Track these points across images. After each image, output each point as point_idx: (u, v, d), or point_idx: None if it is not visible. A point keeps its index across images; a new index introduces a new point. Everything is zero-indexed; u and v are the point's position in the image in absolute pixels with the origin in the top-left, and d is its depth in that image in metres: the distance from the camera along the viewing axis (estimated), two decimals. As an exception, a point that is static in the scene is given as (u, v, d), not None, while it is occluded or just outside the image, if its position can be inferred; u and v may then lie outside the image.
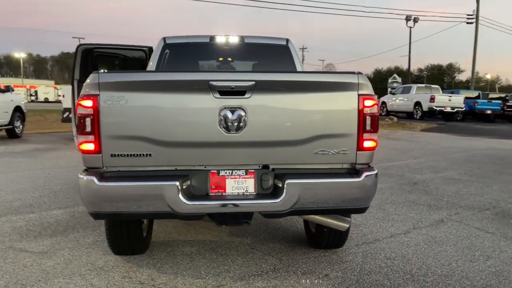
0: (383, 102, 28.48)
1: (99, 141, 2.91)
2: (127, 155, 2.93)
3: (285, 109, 3.00)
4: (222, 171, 3.07)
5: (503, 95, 31.43)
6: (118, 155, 2.93)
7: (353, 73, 3.05)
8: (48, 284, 3.40)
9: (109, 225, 3.60)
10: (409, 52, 40.10)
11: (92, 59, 6.15)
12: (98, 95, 2.87)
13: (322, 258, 3.95)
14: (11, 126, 13.77)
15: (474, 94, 29.72)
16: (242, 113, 2.94)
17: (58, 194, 6.46)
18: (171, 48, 5.02)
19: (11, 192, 6.53)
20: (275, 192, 3.05)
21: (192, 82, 2.92)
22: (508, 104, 28.18)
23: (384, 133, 17.15)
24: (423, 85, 29.10)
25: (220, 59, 5.44)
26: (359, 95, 3.03)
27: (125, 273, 3.62)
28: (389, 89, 33.14)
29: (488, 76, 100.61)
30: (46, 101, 69.42)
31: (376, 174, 3.11)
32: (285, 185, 2.93)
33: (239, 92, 2.93)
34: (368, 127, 3.05)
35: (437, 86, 28.47)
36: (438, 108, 24.46)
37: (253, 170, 3.09)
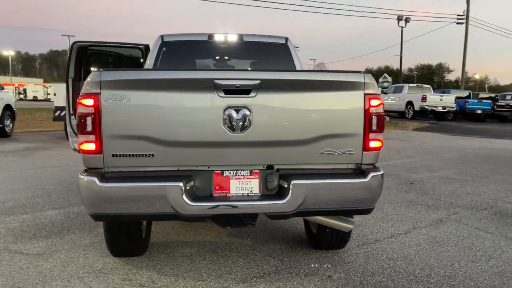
0: (375, 102, 28.51)
1: (100, 141, 2.83)
2: (129, 155, 2.86)
3: (290, 109, 2.95)
4: (226, 171, 3.01)
5: (493, 95, 31.76)
6: (119, 155, 2.86)
7: (359, 72, 3.01)
8: (46, 287, 3.32)
9: (108, 226, 3.52)
10: (401, 52, 40.26)
11: (86, 57, 6.04)
12: (100, 93, 2.79)
13: (324, 259, 3.90)
14: (1, 125, 13.55)
15: (464, 94, 29.96)
16: (247, 113, 2.88)
17: (52, 194, 6.34)
18: (169, 46, 4.94)
19: (3, 192, 6.40)
20: (280, 192, 3.00)
21: (196, 81, 2.86)
22: (498, 104, 28.47)
23: (377, 132, 17.14)
24: (415, 84, 29.26)
25: (218, 57, 5.37)
26: (365, 94, 2.99)
27: (125, 275, 3.54)
28: (380, 89, 33.23)
29: (477, 76, 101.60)
30: (35, 99, 68.63)
31: (382, 174, 3.07)
32: (290, 186, 2.88)
33: (244, 91, 2.87)
34: (374, 127, 3.01)
35: (428, 86, 28.65)
36: (429, 108, 24.62)
37: (258, 171, 3.04)
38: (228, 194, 3.00)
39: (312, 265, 3.75)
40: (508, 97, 30.68)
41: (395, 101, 27.07)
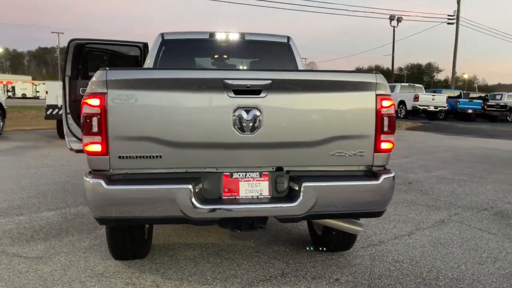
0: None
1: (107, 142, 2.74)
2: (136, 156, 2.78)
3: (301, 109, 2.89)
4: (235, 173, 2.94)
5: (483, 94, 32.04)
6: (126, 157, 2.77)
7: (371, 72, 2.96)
8: (48, 292, 3.23)
9: (111, 229, 3.44)
10: (393, 52, 40.42)
11: (83, 55, 5.92)
12: (106, 93, 2.70)
13: (329, 261, 3.85)
14: (-9, 123, 13.33)
15: (455, 93, 30.19)
16: (257, 113, 2.81)
17: (47, 194, 6.22)
18: (169, 44, 4.85)
19: (-3, 193, 6.27)
20: (291, 195, 2.94)
21: (206, 81, 2.78)
22: (488, 104, 28.72)
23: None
24: (407, 84, 29.39)
25: (219, 56, 5.29)
26: (377, 95, 2.94)
27: (128, 279, 3.46)
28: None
29: (466, 76, 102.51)
30: (24, 97, 67.81)
31: (394, 176, 3.03)
32: (301, 188, 2.82)
33: (254, 91, 2.80)
34: (385, 128, 2.97)
35: (420, 85, 28.82)
36: (421, 107, 24.77)
37: (267, 173, 2.97)
38: (237, 197, 2.93)
39: (319, 268, 3.70)
40: (498, 97, 31.00)
41: (387, 100, 27.11)
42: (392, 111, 2.99)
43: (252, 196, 2.94)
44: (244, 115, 2.80)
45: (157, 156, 2.79)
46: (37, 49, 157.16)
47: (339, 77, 2.94)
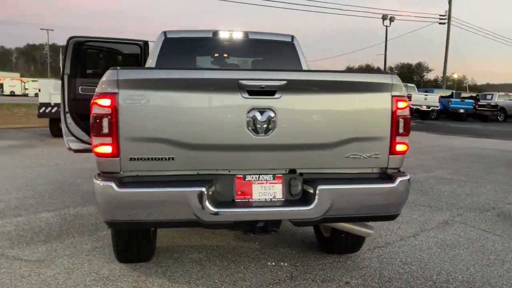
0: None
1: (117, 143, 2.66)
2: (148, 158, 2.70)
3: (316, 110, 2.83)
4: (249, 176, 2.87)
5: (474, 94, 32.29)
6: (137, 158, 2.69)
7: (387, 73, 2.91)
8: (53, 297, 3.14)
9: (117, 231, 3.35)
10: (385, 51, 40.57)
11: (81, 53, 5.80)
12: (117, 93, 2.62)
13: (337, 264, 3.81)
14: (-18, 122, 13.10)
15: (447, 93, 30.37)
16: (272, 115, 2.74)
17: (44, 195, 6.10)
18: (172, 43, 4.76)
19: (-8, 193, 6.13)
20: (305, 198, 2.88)
21: (220, 81, 2.71)
22: (479, 103, 28.96)
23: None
24: (400, 83, 29.44)
25: (223, 55, 5.22)
26: (392, 96, 2.89)
27: (134, 283, 3.38)
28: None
29: (455, 76, 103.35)
30: (13, 94, 66.90)
31: (409, 179, 2.98)
32: (317, 191, 2.76)
33: (268, 92, 2.74)
34: (401, 130, 2.92)
35: (413, 85, 28.96)
36: (414, 107, 24.89)
37: (281, 175, 2.91)
38: (250, 200, 2.86)
39: (327, 271, 3.65)
40: (489, 97, 31.27)
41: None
42: (407, 112, 2.94)
43: (266, 199, 2.87)
44: (258, 116, 2.73)
45: (169, 158, 2.71)
46: (25, 46, 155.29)
47: (354, 78, 2.88)
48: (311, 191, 2.82)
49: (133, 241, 3.45)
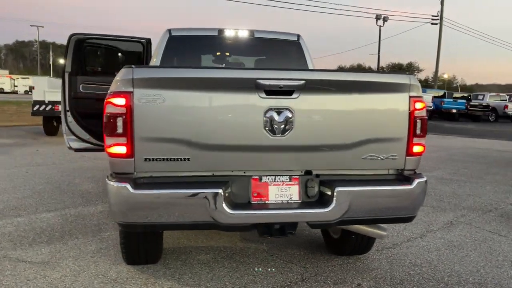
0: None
1: (132, 143, 2.59)
2: (163, 159, 2.63)
3: (333, 111, 2.79)
4: (265, 177, 2.82)
5: (466, 94, 32.54)
6: (152, 159, 2.63)
7: (404, 73, 2.87)
8: (61, 300, 3.06)
9: (125, 233, 3.28)
10: (379, 51, 40.71)
11: (81, 50, 5.70)
12: (132, 92, 2.55)
13: (347, 265, 3.77)
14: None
15: (440, 93, 30.56)
16: (289, 115, 2.69)
17: (43, 194, 6.00)
18: (177, 41, 4.70)
19: (-10, 193, 6.01)
20: (322, 200, 2.83)
21: (238, 80, 2.65)
22: (471, 103, 29.20)
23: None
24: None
25: (224, 53, 5.16)
26: (410, 96, 2.85)
27: (143, 285, 3.32)
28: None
29: (446, 76, 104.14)
30: (2, 91, 66.14)
31: (426, 181, 2.95)
32: (335, 193, 2.71)
33: (286, 91, 2.68)
34: (418, 131, 2.89)
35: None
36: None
37: (297, 176, 2.86)
38: (267, 201, 2.81)
39: (338, 272, 3.62)
40: (480, 97, 31.53)
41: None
42: (424, 113, 2.91)
43: (282, 200, 2.82)
44: (276, 116, 2.68)
45: (184, 159, 2.65)
46: (14, 43, 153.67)
47: (372, 78, 2.84)
48: (329, 192, 2.77)
49: (142, 243, 3.38)
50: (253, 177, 2.81)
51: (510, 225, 5.08)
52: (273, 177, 2.83)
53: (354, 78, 2.83)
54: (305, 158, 2.82)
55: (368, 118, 2.83)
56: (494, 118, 29.73)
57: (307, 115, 2.73)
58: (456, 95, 31.13)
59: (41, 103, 12.13)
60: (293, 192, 2.84)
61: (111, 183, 2.61)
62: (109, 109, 2.60)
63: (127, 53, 5.74)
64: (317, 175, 2.89)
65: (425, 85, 71.24)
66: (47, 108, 12.18)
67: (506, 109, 29.47)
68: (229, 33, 4.78)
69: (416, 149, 2.93)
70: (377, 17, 39.49)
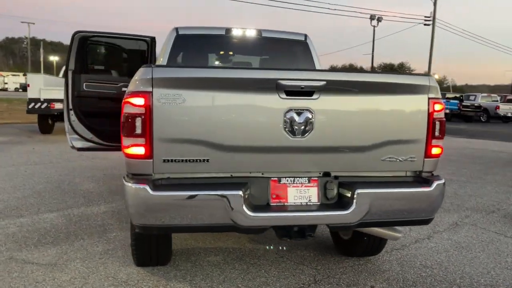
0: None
1: (151, 144, 2.54)
2: (182, 160, 2.59)
3: (353, 112, 2.76)
4: (284, 178, 2.79)
5: (458, 95, 32.77)
6: (171, 160, 2.58)
7: (424, 75, 2.86)
8: (74, 303, 3.01)
9: (137, 234, 3.23)
10: (373, 51, 40.86)
11: (84, 48, 5.62)
12: (151, 92, 2.50)
13: (358, 267, 3.75)
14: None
15: (433, 93, 30.68)
16: (309, 116, 2.66)
17: (44, 194, 5.91)
18: (184, 39, 4.65)
19: (-11, 192, 5.91)
20: (341, 202, 2.81)
21: (258, 80, 2.61)
22: (463, 104, 29.41)
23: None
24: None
25: (230, 52, 5.12)
26: (429, 98, 2.84)
27: (155, 287, 3.27)
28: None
29: (436, 76, 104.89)
30: (-9, 89, 65.40)
31: (444, 183, 2.94)
32: (355, 195, 2.69)
33: (306, 92, 2.65)
34: (437, 133, 2.87)
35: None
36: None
37: (316, 178, 2.83)
38: (285, 203, 2.78)
39: (350, 274, 3.60)
40: (472, 98, 31.77)
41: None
42: (443, 115, 2.90)
43: (301, 202, 2.79)
44: (296, 117, 2.64)
45: (204, 160, 2.61)
46: (4, 39, 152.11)
47: (393, 79, 2.82)
48: (348, 194, 2.75)
49: (154, 244, 3.34)
50: (272, 178, 2.77)
51: (514, 226, 5.10)
52: (292, 179, 2.80)
53: (374, 79, 2.80)
54: (324, 160, 2.80)
55: (388, 120, 2.80)
56: (486, 118, 29.98)
57: (327, 116, 2.70)
58: (448, 95, 31.34)
59: (36, 101, 11.98)
60: (312, 194, 2.81)
61: (129, 184, 2.56)
62: (127, 109, 2.55)
63: (131, 51, 5.66)
64: (336, 177, 2.87)
65: (417, 85, 71.34)
66: (43, 106, 12.04)
67: (497, 109, 29.73)
68: (236, 32, 4.74)
69: (435, 151, 2.92)
70: (372, 17, 39.63)
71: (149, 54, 5.40)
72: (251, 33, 4.77)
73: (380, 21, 39.58)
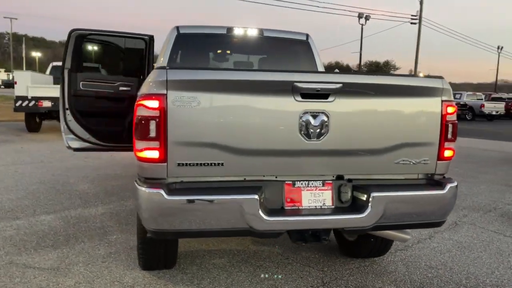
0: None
1: (165, 148, 2.49)
2: (197, 164, 2.54)
3: (368, 115, 2.74)
4: (298, 182, 2.76)
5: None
6: (186, 164, 2.53)
7: (437, 77, 2.85)
8: (82, 310, 2.94)
9: (144, 238, 3.16)
10: (361, 49, 41.05)
11: (80, 46, 5.50)
12: (165, 94, 2.45)
13: (364, 268, 3.75)
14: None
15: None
16: (325, 118, 2.64)
17: (38, 195, 5.79)
18: (185, 38, 4.59)
19: (-19, 194, 5.77)
20: (355, 205, 2.79)
21: (274, 83, 2.57)
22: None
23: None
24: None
25: (228, 51, 5.06)
26: (442, 101, 2.83)
27: (163, 292, 3.22)
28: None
29: (421, 75, 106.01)
30: (-27, 85, 64.07)
31: (457, 185, 2.95)
32: (370, 199, 2.67)
33: (322, 95, 2.62)
34: (449, 135, 2.87)
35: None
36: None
37: (330, 181, 2.81)
38: (300, 207, 2.75)
39: (357, 276, 3.59)
40: (458, 96, 32.15)
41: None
42: (455, 117, 2.90)
43: (316, 206, 2.77)
44: (312, 120, 2.62)
45: (218, 164, 2.56)
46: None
47: (407, 82, 2.81)
48: (363, 198, 2.73)
49: (162, 248, 3.28)
50: (286, 182, 2.74)
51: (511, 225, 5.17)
52: (306, 182, 2.77)
53: (390, 82, 2.79)
54: (338, 163, 2.77)
55: (402, 122, 2.79)
56: (471, 117, 30.38)
57: (342, 119, 2.68)
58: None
59: (23, 98, 11.75)
60: (326, 198, 2.78)
61: (143, 189, 2.50)
62: (140, 112, 2.49)
63: (129, 50, 5.56)
64: (349, 180, 2.85)
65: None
66: (30, 104, 11.81)
67: (482, 108, 30.15)
68: (238, 31, 4.69)
69: (447, 153, 2.92)
70: (360, 16, 39.82)
71: (147, 52, 5.32)
72: (253, 32, 4.73)
73: (368, 19, 39.79)
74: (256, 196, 2.53)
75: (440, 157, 2.89)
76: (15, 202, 5.45)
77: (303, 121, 2.61)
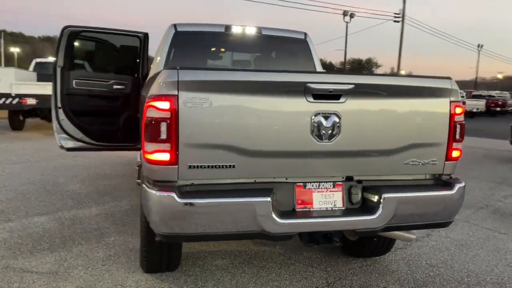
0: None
1: (176, 150, 2.44)
2: (208, 166, 2.49)
3: (379, 116, 2.73)
4: (309, 183, 2.73)
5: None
6: (197, 166, 2.48)
7: (446, 78, 2.86)
8: (87, 315, 2.87)
9: (149, 241, 3.10)
10: (345, 47, 41.29)
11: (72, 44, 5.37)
12: (177, 95, 2.39)
13: (367, 268, 3.76)
14: None
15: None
16: (336, 120, 2.62)
17: (28, 196, 5.65)
18: (183, 36, 4.51)
19: (-30, 195, 5.61)
20: (366, 207, 2.78)
21: (286, 84, 2.54)
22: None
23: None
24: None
25: (222, 50, 5.00)
26: (451, 101, 2.84)
27: (167, 295, 3.17)
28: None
29: (403, 72, 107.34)
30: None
31: (464, 186, 2.96)
32: (381, 200, 2.67)
33: (333, 96, 2.60)
34: (457, 136, 2.89)
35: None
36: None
37: (341, 183, 2.79)
38: (311, 209, 2.72)
39: (360, 276, 3.60)
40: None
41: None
42: (463, 118, 2.92)
43: (326, 208, 2.75)
44: (323, 121, 2.59)
45: (230, 166, 2.52)
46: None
47: (416, 83, 2.80)
48: (374, 199, 2.73)
49: (166, 250, 3.23)
50: (297, 184, 2.71)
51: (506, 223, 5.24)
52: (317, 184, 2.75)
53: (401, 82, 2.79)
54: (349, 164, 2.76)
55: (412, 123, 2.79)
56: (453, 113, 30.89)
57: (353, 120, 2.66)
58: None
59: (7, 96, 11.46)
60: (336, 199, 2.77)
61: (153, 192, 2.44)
62: (151, 113, 2.43)
63: (123, 47, 5.46)
64: (359, 181, 2.84)
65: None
66: (14, 102, 11.53)
67: (463, 105, 30.63)
68: (236, 29, 4.64)
69: (455, 154, 2.93)
70: (345, 13, 40.00)
71: (141, 50, 5.23)
72: (251, 30, 4.68)
73: (353, 17, 40.00)
74: (269, 199, 2.49)
75: (448, 157, 2.90)
76: (6, 203, 5.30)
77: (315, 122, 2.58)
